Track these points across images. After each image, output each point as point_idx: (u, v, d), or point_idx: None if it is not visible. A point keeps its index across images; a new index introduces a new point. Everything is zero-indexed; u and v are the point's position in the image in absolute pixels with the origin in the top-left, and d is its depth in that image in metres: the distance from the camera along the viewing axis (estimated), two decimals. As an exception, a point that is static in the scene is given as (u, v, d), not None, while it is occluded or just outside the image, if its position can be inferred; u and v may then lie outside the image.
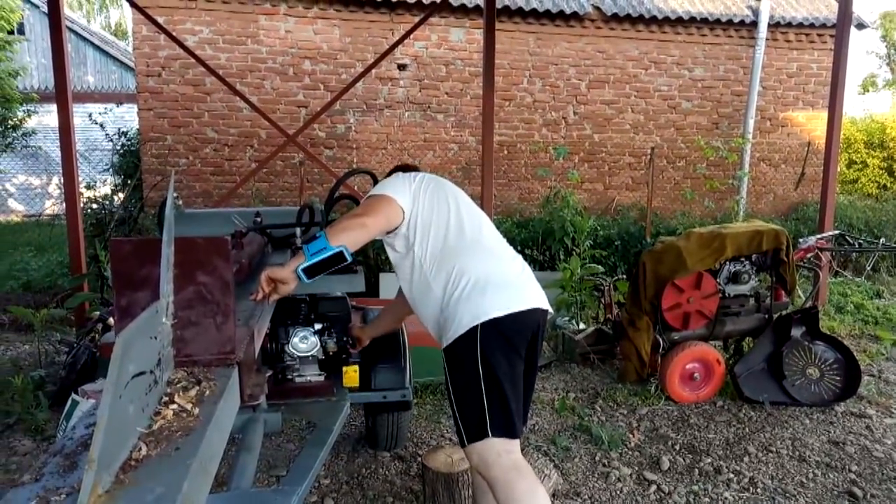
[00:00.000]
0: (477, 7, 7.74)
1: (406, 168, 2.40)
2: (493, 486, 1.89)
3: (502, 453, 1.91)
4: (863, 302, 6.07)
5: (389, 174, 2.39)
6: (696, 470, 3.07)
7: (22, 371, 3.99)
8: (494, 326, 1.92)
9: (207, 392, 1.28)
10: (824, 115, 8.51)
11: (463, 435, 1.96)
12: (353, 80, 6.19)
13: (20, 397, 3.60)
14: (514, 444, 1.95)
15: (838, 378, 3.84)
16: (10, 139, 11.31)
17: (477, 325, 1.92)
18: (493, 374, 1.92)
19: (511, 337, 1.96)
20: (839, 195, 9.54)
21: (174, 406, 1.19)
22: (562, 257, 6.45)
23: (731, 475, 3.01)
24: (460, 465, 2.72)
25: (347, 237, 1.91)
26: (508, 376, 1.95)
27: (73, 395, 3.05)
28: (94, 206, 7.32)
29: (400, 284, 2.24)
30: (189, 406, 1.19)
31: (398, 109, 8.05)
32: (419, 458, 3.12)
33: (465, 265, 2.02)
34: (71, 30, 13.78)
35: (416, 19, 7.05)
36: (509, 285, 2.02)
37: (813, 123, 9.17)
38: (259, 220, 2.94)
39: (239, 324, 1.58)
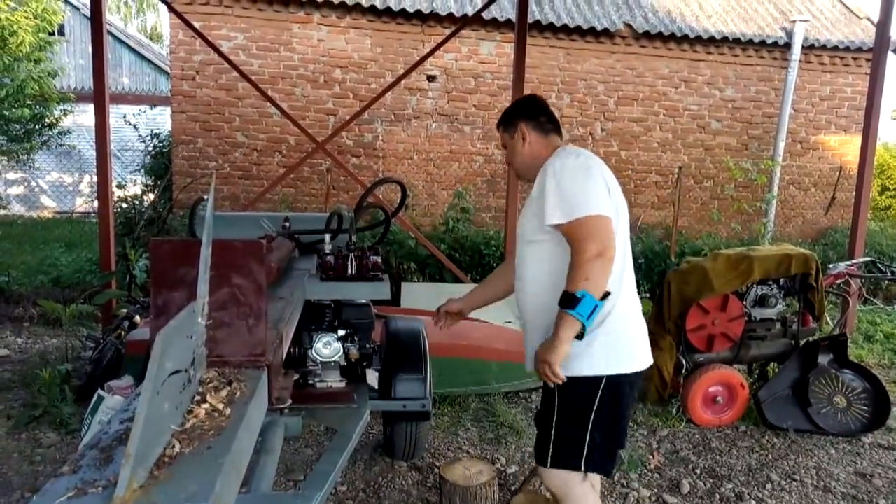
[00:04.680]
0: (508, 21, 7.78)
1: (542, 111, 2.14)
2: (564, 501, 2.04)
3: (587, 479, 2.03)
4: (893, 331, 5.93)
5: (528, 110, 2.14)
6: (717, 495, 3.02)
7: (49, 365, 4.07)
8: (618, 381, 1.95)
9: (238, 393, 1.30)
10: (857, 139, 8.37)
11: (549, 457, 1.99)
12: (384, 89, 6.25)
13: (47, 390, 3.66)
14: (598, 477, 2.12)
15: (866, 408, 3.75)
16: (46, 137, 11.58)
17: (604, 376, 1.92)
18: (606, 421, 1.95)
19: (628, 394, 2.01)
20: (870, 221, 9.36)
21: (206, 405, 1.21)
22: (584, 273, 6.41)
23: (754, 502, 2.96)
24: (478, 479, 2.71)
25: (605, 282, 1.84)
26: (620, 424, 2.02)
27: (99, 391, 3.10)
28: (125, 205, 7.47)
29: (519, 268, 2.08)
30: (220, 406, 1.21)
31: (426, 120, 8.10)
32: (436, 470, 3.11)
33: (616, 299, 1.93)
34: (109, 33, 14.10)
35: (447, 31, 7.11)
36: (641, 338, 2.04)
37: (845, 148, 9.04)
38: (287, 225, 2.98)
39: (269, 327, 1.60)
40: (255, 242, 1.46)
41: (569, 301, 1.79)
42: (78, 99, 12.12)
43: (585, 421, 1.94)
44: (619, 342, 1.95)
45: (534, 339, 2.01)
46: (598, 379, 1.92)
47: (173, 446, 1.04)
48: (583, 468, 1.96)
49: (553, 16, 8.14)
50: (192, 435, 1.08)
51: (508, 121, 2.18)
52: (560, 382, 1.86)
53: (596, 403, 1.92)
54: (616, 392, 1.94)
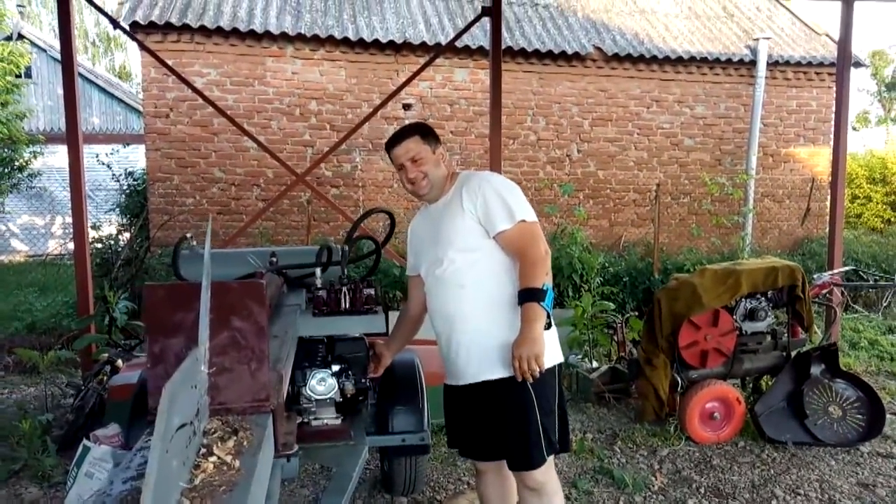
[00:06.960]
0: (480, 48, 7.87)
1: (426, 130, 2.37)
2: (553, 495, 2.21)
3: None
4: (877, 338, 6.01)
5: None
6: (724, 514, 2.98)
7: (28, 415, 3.91)
8: (561, 366, 2.26)
9: (245, 442, 1.24)
10: (826, 150, 8.56)
11: (544, 450, 2.13)
12: (361, 120, 6.24)
13: (27, 442, 3.51)
14: None
15: (861, 417, 3.76)
16: (15, 180, 11.36)
17: (557, 364, 2.21)
18: (563, 402, 2.26)
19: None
20: (844, 230, 9.55)
21: (213, 458, 1.14)
22: (570, 294, 6.41)
23: (760, 520, 2.92)
24: (483, 512, 2.63)
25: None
26: (564, 403, 2.30)
27: (84, 441, 2.97)
28: (100, 245, 7.31)
29: (456, 277, 2.19)
30: (229, 458, 1.15)
31: (404, 148, 8.09)
32: (438, 504, 3.03)
33: None
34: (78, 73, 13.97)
35: (421, 60, 7.15)
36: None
37: (815, 159, 9.24)
38: (275, 260, 2.91)
39: (270, 368, 1.54)
40: (254, 283, 1.41)
41: (537, 294, 2.02)
42: (47, 140, 11.93)
43: (554, 405, 2.19)
44: (554, 334, 2.23)
45: (476, 343, 2.15)
46: (555, 367, 2.19)
47: (184, 506, 0.97)
48: (569, 446, 2.38)
49: (524, 41, 8.26)
50: (202, 493, 1.02)
51: (432, 136, 2.32)
52: (539, 374, 2.02)
53: (558, 388, 2.21)
54: (561, 375, 2.27)
